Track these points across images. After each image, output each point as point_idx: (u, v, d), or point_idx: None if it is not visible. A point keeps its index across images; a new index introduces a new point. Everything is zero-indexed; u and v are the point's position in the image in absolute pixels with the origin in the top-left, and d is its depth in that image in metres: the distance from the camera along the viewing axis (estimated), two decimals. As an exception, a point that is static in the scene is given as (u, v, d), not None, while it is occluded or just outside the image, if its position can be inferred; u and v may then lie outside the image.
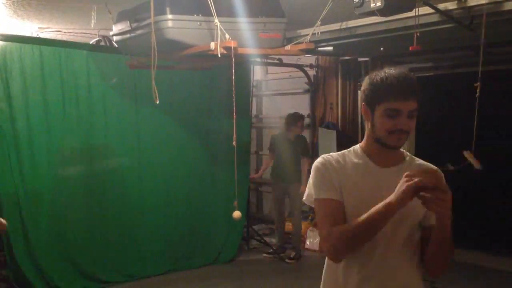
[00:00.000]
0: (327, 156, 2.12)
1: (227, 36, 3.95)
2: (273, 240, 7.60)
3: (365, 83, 2.16)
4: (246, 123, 7.15)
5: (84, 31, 6.62)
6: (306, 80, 8.60)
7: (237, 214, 4.44)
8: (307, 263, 6.98)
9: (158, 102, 3.99)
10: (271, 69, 9.14)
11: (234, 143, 4.30)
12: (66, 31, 6.74)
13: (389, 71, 2.03)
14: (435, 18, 4.67)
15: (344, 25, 5.51)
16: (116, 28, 4.77)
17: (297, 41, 4.52)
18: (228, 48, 3.97)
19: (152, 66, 3.92)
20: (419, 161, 2.14)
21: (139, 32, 4.41)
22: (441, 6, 4.48)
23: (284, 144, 7.11)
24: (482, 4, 4.38)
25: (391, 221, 1.89)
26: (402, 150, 2.12)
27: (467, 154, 4.63)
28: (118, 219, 6.16)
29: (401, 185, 1.81)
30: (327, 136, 7.58)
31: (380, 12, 3.78)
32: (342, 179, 2.03)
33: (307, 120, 8.72)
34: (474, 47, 6.31)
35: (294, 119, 7.15)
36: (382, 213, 1.85)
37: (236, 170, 4.55)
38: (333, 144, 7.33)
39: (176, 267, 6.54)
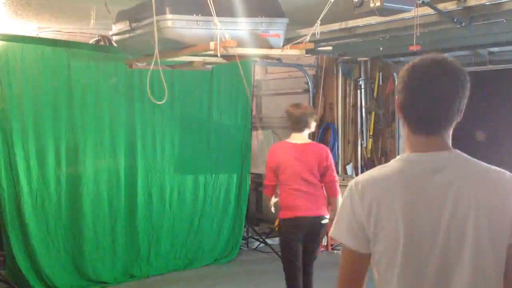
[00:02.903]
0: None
1: (226, 36, 3.94)
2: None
3: None
4: (247, 123, 7.14)
5: (83, 31, 6.63)
6: (305, 80, 8.61)
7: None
8: (307, 263, 6.98)
9: (162, 102, 4.01)
10: (270, 69, 9.14)
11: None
12: (65, 31, 6.75)
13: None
14: (435, 18, 4.67)
15: (343, 25, 5.51)
16: (116, 28, 4.76)
17: (296, 41, 4.52)
18: (227, 48, 3.97)
19: (159, 66, 3.92)
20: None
21: (138, 32, 4.40)
22: (441, 6, 4.48)
23: None
24: (482, 4, 4.38)
25: None
26: None
27: None
28: (118, 219, 6.15)
29: None
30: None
31: (380, 12, 3.78)
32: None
33: (307, 120, 8.73)
34: (472, 47, 6.33)
35: None
36: None
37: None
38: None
39: (176, 267, 6.54)
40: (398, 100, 1.73)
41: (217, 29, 3.90)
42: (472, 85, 1.73)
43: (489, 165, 1.65)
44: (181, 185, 6.61)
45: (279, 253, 7.08)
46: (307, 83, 8.62)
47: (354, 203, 1.68)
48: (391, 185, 1.67)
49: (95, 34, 6.37)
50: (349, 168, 8.22)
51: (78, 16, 5.90)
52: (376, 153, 8.09)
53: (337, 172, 8.16)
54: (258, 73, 8.98)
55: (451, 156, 1.66)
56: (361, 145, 8.20)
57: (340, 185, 7.54)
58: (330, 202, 4.67)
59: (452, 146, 1.68)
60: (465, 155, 1.67)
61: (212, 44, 3.96)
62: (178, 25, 4.08)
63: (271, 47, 4.41)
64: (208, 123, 6.79)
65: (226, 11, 4.10)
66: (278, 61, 7.74)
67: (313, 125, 4.75)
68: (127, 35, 4.60)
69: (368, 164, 8.10)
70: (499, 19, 4.67)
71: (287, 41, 4.60)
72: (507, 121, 6.88)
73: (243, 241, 7.43)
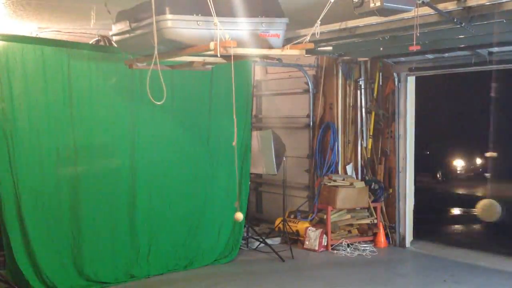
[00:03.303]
0: None
1: (226, 36, 3.94)
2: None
3: None
4: (246, 123, 7.14)
5: (83, 31, 6.63)
6: (305, 80, 8.61)
7: (239, 216, 4.36)
8: (307, 263, 6.98)
9: (161, 102, 4.00)
10: (270, 69, 9.14)
11: (234, 143, 4.30)
12: (65, 31, 6.75)
13: None
14: (435, 18, 4.67)
15: (343, 25, 5.52)
16: (116, 28, 4.76)
17: (296, 41, 4.51)
18: (227, 48, 3.96)
19: (158, 66, 3.92)
20: None
21: (138, 32, 4.40)
22: (441, 6, 4.48)
23: None
24: (482, 4, 4.38)
25: None
26: None
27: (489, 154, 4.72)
28: (118, 219, 6.15)
29: None
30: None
31: (380, 12, 3.79)
32: None
33: (306, 120, 8.74)
34: (472, 47, 6.33)
35: None
36: None
37: (237, 170, 4.51)
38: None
39: (176, 267, 6.54)
40: None
41: (217, 29, 3.90)
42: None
43: None
44: (181, 185, 6.60)
45: (279, 253, 7.12)
46: (307, 83, 8.62)
47: None
48: None
49: (95, 34, 6.37)
50: (349, 168, 8.22)
51: (78, 16, 5.90)
52: (376, 153, 8.09)
53: (337, 172, 8.18)
54: (258, 73, 8.99)
55: None
56: (361, 145, 8.19)
57: (339, 186, 7.61)
58: None
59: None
60: None
61: (212, 44, 3.95)
62: (178, 25, 4.07)
63: (271, 47, 4.40)
64: (208, 123, 6.78)
65: (226, 11, 4.10)
66: (278, 61, 7.74)
67: None
68: (127, 35, 4.60)
69: (368, 164, 8.11)
70: (499, 19, 4.67)
71: (287, 41, 4.59)
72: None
73: (243, 241, 7.43)
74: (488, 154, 4.77)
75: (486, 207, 4.59)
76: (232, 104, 4.26)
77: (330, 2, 4.03)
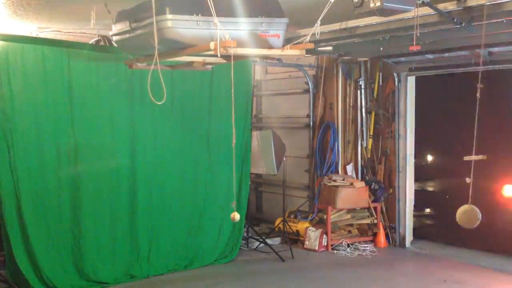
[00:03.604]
0: None
1: (226, 36, 3.94)
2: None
3: None
4: (246, 123, 7.14)
5: (83, 31, 6.64)
6: (305, 80, 8.61)
7: (235, 216, 4.30)
8: (307, 263, 6.98)
9: (161, 102, 4.01)
10: (270, 69, 9.15)
11: (233, 143, 4.31)
12: (65, 31, 6.76)
13: None
14: (435, 18, 4.67)
15: (343, 25, 5.52)
16: (116, 28, 4.76)
17: (296, 41, 4.51)
18: (227, 48, 3.96)
19: (159, 66, 3.93)
20: None
21: (138, 32, 4.41)
22: (441, 6, 4.49)
23: None
24: (482, 4, 4.39)
25: None
26: None
27: (467, 158, 4.68)
28: (118, 219, 6.15)
29: None
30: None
31: (380, 12, 3.79)
32: None
33: (306, 120, 8.74)
34: (472, 47, 6.33)
35: None
36: None
37: (234, 170, 4.50)
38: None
39: (177, 267, 6.54)
40: None
41: (217, 29, 3.90)
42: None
43: None
44: (181, 185, 6.60)
45: (279, 253, 7.12)
46: (307, 83, 8.62)
47: None
48: None
49: (95, 34, 6.38)
50: (349, 168, 8.22)
51: (78, 16, 5.91)
52: (376, 153, 8.09)
53: (337, 172, 8.18)
54: (258, 73, 8.99)
55: None
56: (361, 145, 8.19)
57: (339, 186, 7.61)
58: None
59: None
60: None
61: (212, 44, 3.95)
62: (178, 25, 4.07)
63: (271, 47, 4.40)
64: (208, 123, 6.78)
65: (226, 11, 4.10)
66: (278, 61, 7.75)
67: None
68: (127, 35, 4.60)
69: (368, 164, 8.11)
70: (499, 19, 4.67)
71: (287, 41, 4.59)
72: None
73: (243, 241, 7.43)
74: (467, 158, 4.68)
75: (466, 213, 4.58)
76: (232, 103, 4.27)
77: (330, 2, 4.03)
